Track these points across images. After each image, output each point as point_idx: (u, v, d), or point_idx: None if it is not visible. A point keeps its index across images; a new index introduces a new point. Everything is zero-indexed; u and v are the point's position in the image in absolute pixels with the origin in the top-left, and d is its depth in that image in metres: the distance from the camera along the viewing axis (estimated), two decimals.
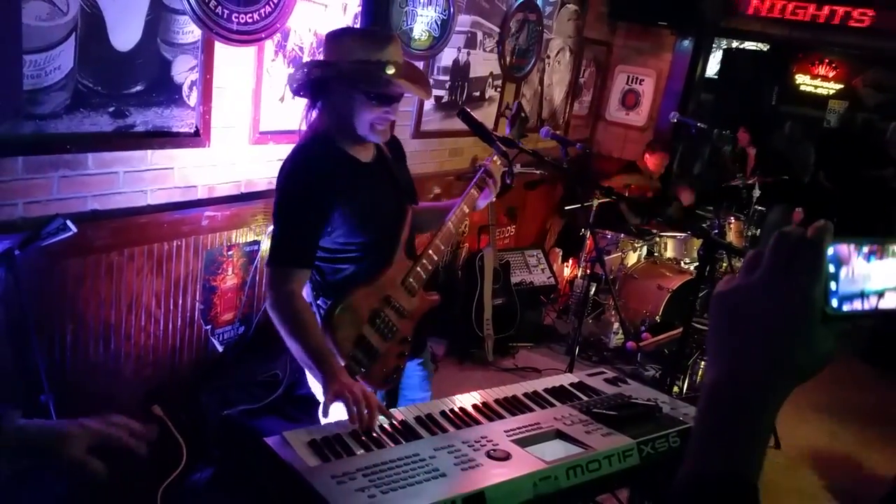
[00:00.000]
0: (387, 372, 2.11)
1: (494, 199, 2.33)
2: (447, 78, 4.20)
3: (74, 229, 2.14)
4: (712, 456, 0.70)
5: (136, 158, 2.55)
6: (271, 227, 3.05)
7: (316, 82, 2.00)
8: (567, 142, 3.27)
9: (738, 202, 5.63)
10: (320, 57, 3.14)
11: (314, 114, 2.08)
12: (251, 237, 3.12)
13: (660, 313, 4.75)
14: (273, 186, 3.13)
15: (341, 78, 1.95)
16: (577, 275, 5.43)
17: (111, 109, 2.41)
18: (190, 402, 2.95)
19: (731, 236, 5.14)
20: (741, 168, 6.11)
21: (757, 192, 5.32)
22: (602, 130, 6.50)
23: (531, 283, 4.98)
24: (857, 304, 0.69)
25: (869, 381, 5.27)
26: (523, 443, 1.70)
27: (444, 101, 4.22)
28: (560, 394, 2.03)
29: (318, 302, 2.12)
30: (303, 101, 3.15)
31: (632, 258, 5.32)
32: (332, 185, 1.98)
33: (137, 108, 2.50)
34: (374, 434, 1.68)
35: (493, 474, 1.53)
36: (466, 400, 1.93)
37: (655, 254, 5.45)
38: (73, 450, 1.14)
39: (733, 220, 5.26)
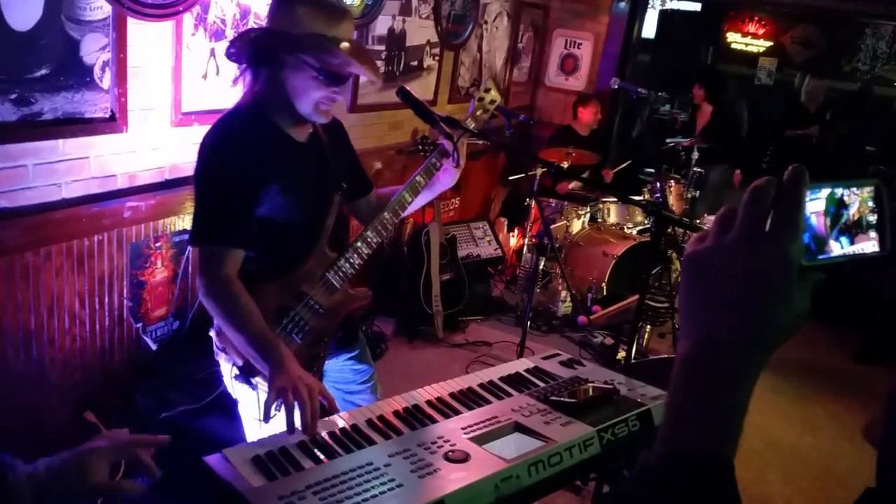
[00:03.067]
0: None
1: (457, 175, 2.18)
2: (383, 48, 4.03)
3: None
4: (687, 433, 0.66)
5: (46, 149, 2.34)
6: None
7: (261, 51, 1.81)
8: (510, 114, 3.16)
9: (676, 164, 5.65)
10: (262, 23, 2.94)
11: (247, 79, 1.88)
12: (180, 226, 2.93)
13: (605, 280, 4.74)
14: None
15: (293, 51, 1.77)
16: (523, 244, 5.38)
17: (13, 97, 2.19)
18: (125, 405, 2.78)
19: (672, 199, 5.16)
20: (688, 128, 6.10)
21: (696, 155, 5.34)
22: (542, 96, 6.42)
23: (478, 256, 4.91)
24: (830, 252, 0.67)
25: (806, 335, 5.38)
26: (482, 440, 1.61)
27: (381, 72, 4.05)
28: (516, 382, 1.95)
29: None
30: (229, 78, 2.98)
31: (576, 225, 5.29)
32: (260, 161, 1.82)
33: (44, 93, 2.28)
34: (323, 442, 1.57)
35: (453, 479, 1.44)
36: (420, 396, 1.82)
37: (599, 220, 5.43)
38: (97, 477, 1.14)
39: (673, 183, 5.28)
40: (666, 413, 0.68)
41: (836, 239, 0.67)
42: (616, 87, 4.59)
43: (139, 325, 2.86)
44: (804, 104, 6.97)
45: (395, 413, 1.73)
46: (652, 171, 5.67)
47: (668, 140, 5.43)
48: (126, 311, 2.78)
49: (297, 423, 1.60)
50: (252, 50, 1.82)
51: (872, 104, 8.68)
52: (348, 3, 3.61)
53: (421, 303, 4.40)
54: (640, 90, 4.35)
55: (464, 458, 1.51)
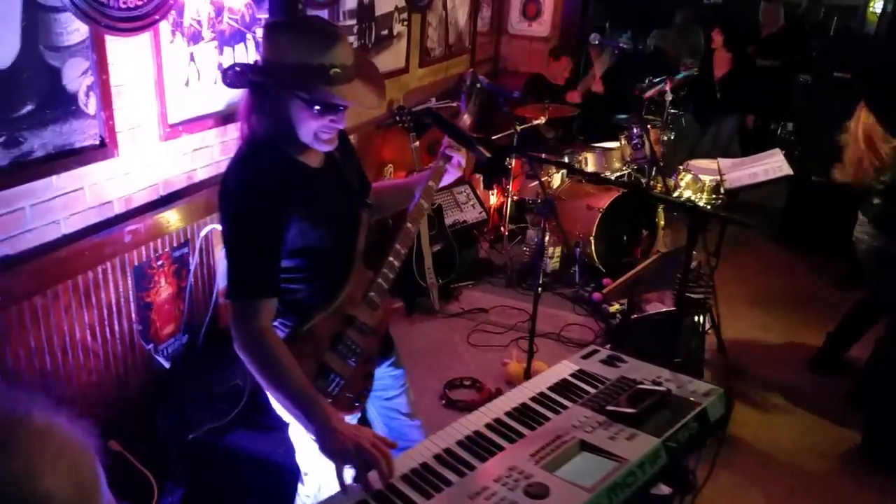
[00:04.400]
0: (353, 397, 1.96)
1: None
2: (354, 22, 3.87)
3: None
4: None
5: (40, 188, 2.20)
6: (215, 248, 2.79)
7: (254, 84, 1.75)
8: (503, 91, 3.07)
9: (648, 105, 5.64)
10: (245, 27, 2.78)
11: (252, 112, 1.81)
12: (178, 240, 2.83)
13: (593, 234, 4.77)
14: (192, 180, 2.88)
15: (281, 83, 1.71)
16: (504, 202, 5.36)
17: (2, 139, 2.04)
18: (147, 429, 2.73)
19: (650, 144, 5.14)
20: (703, 78, 5.98)
21: (669, 96, 5.31)
22: (506, 45, 6.29)
23: (464, 222, 4.88)
24: None
25: (787, 265, 5.56)
26: (553, 465, 1.63)
27: (353, 46, 3.89)
28: (565, 390, 1.96)
29: (275, 323, 1.92)
30: (209, 80, 2.84)
31: (556, 180, 5.28)
32: (286, 198, 1.76)
33: (31, 130, 2.13)
34: (401, 490, 1.57)
35: None
36: (478, 420, 1.82)
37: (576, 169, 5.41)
38: None
39: (650, 128, 5.26)
40: None
41: None
42: (596, 42, 4.50)
43: (150, 346, 2.78)
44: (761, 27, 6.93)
45: (460, 444, 1.73)
46: (623, 115, 5.63)
47: (646, 83, 5.35)
48: (136, 335, 2.70)
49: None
50: (247, 82, 1.75)
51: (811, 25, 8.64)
52: None
53: (415, 277, 4.38)
54: (620, 44, 4.27)
55: (545, 493, 1.52)
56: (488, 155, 1.87)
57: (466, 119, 2.15)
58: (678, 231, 5.45)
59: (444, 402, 3.66)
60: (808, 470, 3.28)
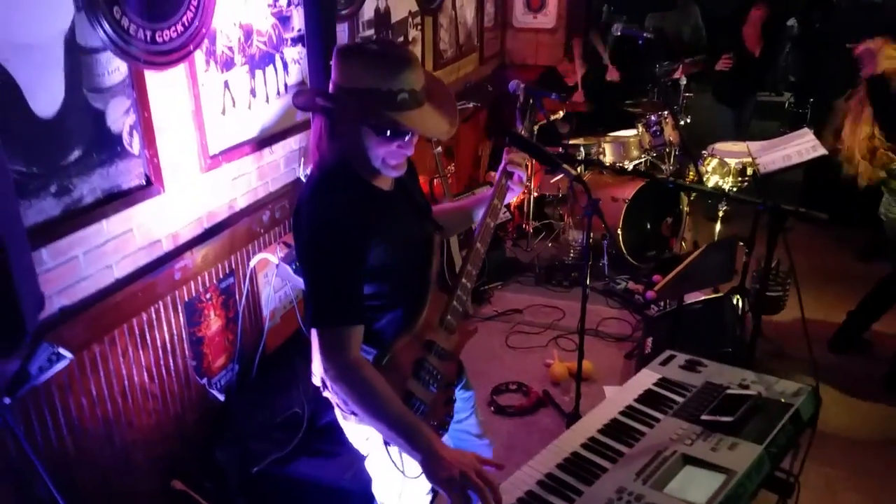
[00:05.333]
0: (437, 424, 1.93)
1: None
2: (372, 32, 3.81)
3: (70, 355, 1.78)
4: None
5: (92, 234, 2.15)
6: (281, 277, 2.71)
7: (322, 110, 1.72)
8: (544, 94, 3.02)
9: (664, 92, 5.58)
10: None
11: (323, 135, 1.77)
12: (224, 271, 2.78)
13: (620, 225, 4.73)
14: (233, 209, 2.83)
15: (348, 107, 1.66)
16: (524, 200, 5.32)
17: (53, 189, 1.99)
18: (208, 465, 2.69)
19: (668, 130, 5.11)
20: (751, 69, 5.80)
21: (684, 81, 5.26)
22: (511, 38, 6.23)
23: None
24: None
25: (809, 240, 5.50)
26: (661, 483, 1.59)
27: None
28: (653, 400, 1.93)
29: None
30: (243, 106, 2.79)
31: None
32: (364, 222, 1.72)
33: (80, 176, 2.08)
34: None
35: None
36: (572, 440, 1.78)
37: (595, 160, 5.36)
38: None
39: (667, 113, 5.21)
40: None
41: None
42: (618, 34, 4.43)
43: (204, 380, 2.74)
44: None
45: (560, 467, 1.69)
46: (632, 101, 5.56)
47: (657, 68, 5.30)
48: (191, 370, 2.66)
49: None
50: (317, 107, 1.73)
51: None
52: None
53: (447, 283, 4.32)
54: (644, 34, 4.21)
55: None
56: (574, 173, 1.82)
57: (524, 131, 2.12)
58: (697, 217, 5.42)
59: (492, 408, 3.62)
60: (864, 447, 3.26)
